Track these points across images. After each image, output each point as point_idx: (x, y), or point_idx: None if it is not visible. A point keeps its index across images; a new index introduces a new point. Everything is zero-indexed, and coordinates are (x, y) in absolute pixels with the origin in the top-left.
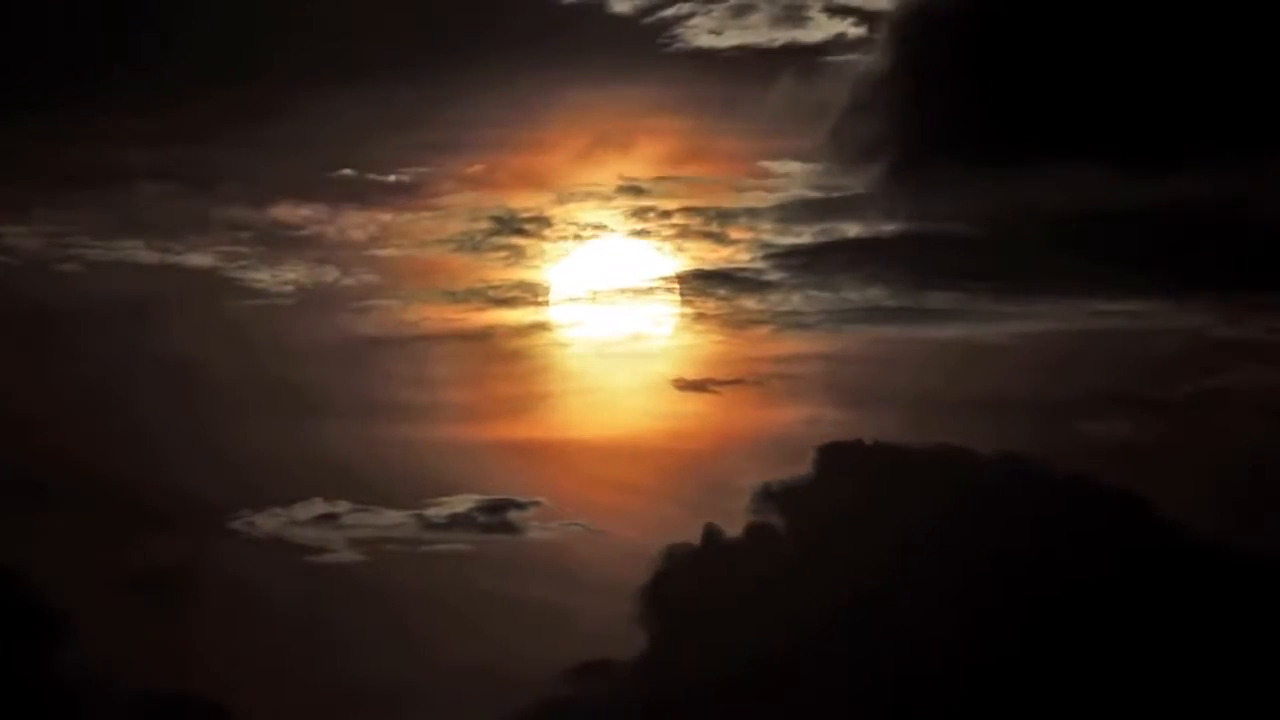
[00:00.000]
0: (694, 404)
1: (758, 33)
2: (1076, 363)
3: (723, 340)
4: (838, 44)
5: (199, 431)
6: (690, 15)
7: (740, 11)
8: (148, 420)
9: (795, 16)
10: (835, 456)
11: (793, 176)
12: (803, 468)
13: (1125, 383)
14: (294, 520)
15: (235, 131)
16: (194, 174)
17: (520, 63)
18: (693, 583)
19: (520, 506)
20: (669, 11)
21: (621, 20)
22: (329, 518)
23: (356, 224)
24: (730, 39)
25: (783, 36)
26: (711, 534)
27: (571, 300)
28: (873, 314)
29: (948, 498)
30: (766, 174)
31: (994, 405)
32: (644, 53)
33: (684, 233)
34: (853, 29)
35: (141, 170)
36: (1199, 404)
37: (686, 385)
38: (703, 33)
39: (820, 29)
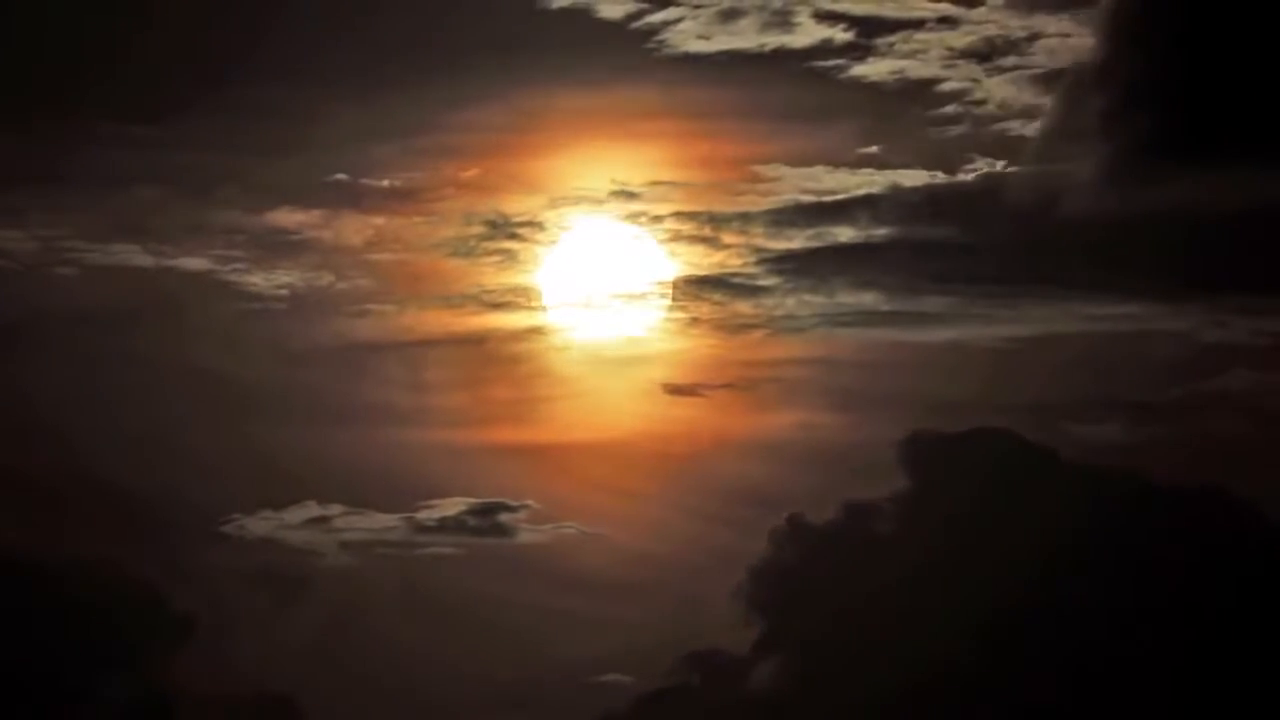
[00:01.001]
0: (687, 408)
1: (746, 38)
2: (1066, 367)
3: (717, 344)
4: (824, 49)
5: (192, 435)
6: (679, 20)
7: (728, 16)
8: (141, 424)
9: (783, 22)
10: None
11: (784, 180)
12: (797, 472)
13: (1116, 386)
14: (285, 524)
15: (230, 137)
16: (189, 179)
17: (513, 68)
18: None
19: (511, 509)
20: (657, 16)
21: (611, 25)
22: (319, 521)
23: (351, 229)
24: (719, 44)
25: (771, 41)
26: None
27: (565, 305)
28: (867, 318)
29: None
30: (758, 178)
31: (986, 409)
32: (634, 58)
33: (676, 237)
34: (841, 34)
35: (136, 174)
36: (1189, 407)
37: (677, 390)
38: (691, 38)
39: (807, 34)
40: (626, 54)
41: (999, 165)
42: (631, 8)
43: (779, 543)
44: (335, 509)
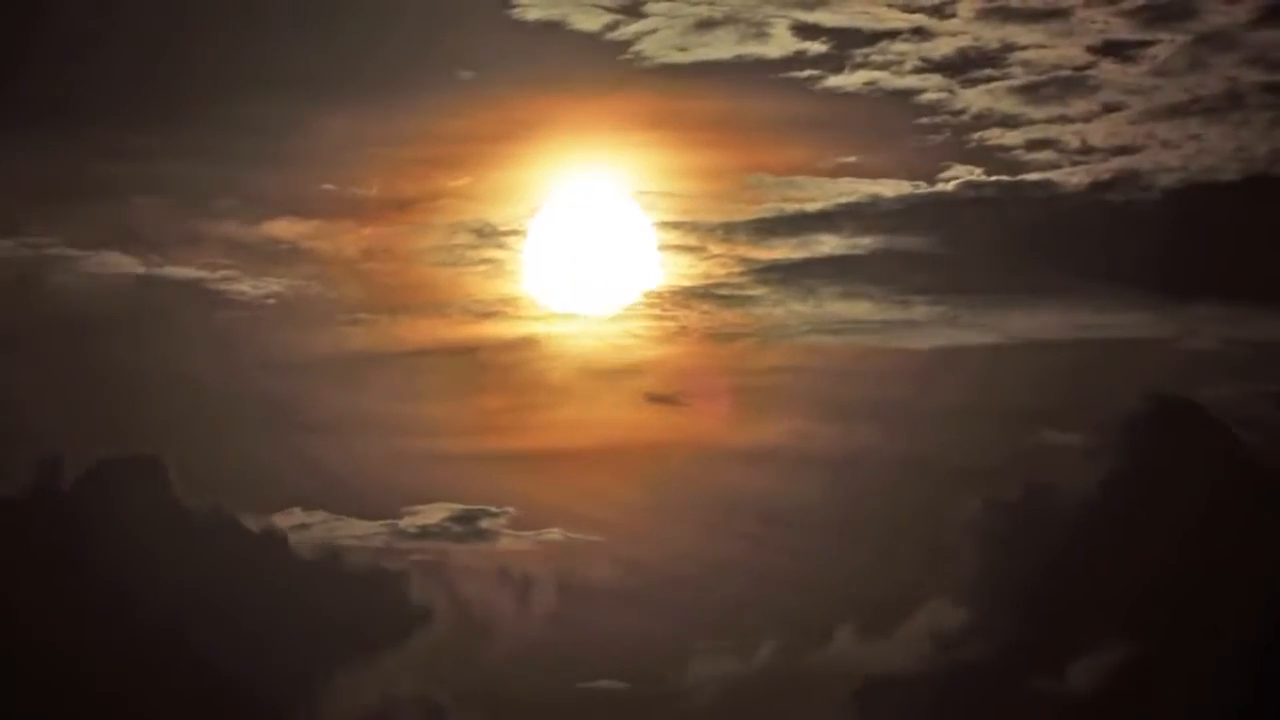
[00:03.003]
0: (675, 417)
1: (722, 49)
2: (1049, 375)
3: (705, 354)
4: (799, 61)
5: (183, 442)
6: (653, 31)
7: (704, 28)
8: (131, 431)
9: (759, 34)
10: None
11: (766, 189)
12: (786, 479)
13: (1097, 394)
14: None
15: (221, 148)
16: (181, 189)
17: (495, 80)
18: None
19: (494, 515)
20: (632, 28)
21: (587, 37)
22: (302, 528)
23: (340, 238)
24: (695, 55)
25: (747, 52)
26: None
27: (553, 314)
28: (855, 326)
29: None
30: (740, 188)
31: (971, 415)
32: (613, 69)
33: (663, 246)
34: (815, 46)
35: (128, 185)
36: (1162, 414)
37: (665, 399)
38: (667, 49)
39: (782, 46)
40: (605, 65)
41: (977, 173)
42: (607, 19)
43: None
44: (319, 515)
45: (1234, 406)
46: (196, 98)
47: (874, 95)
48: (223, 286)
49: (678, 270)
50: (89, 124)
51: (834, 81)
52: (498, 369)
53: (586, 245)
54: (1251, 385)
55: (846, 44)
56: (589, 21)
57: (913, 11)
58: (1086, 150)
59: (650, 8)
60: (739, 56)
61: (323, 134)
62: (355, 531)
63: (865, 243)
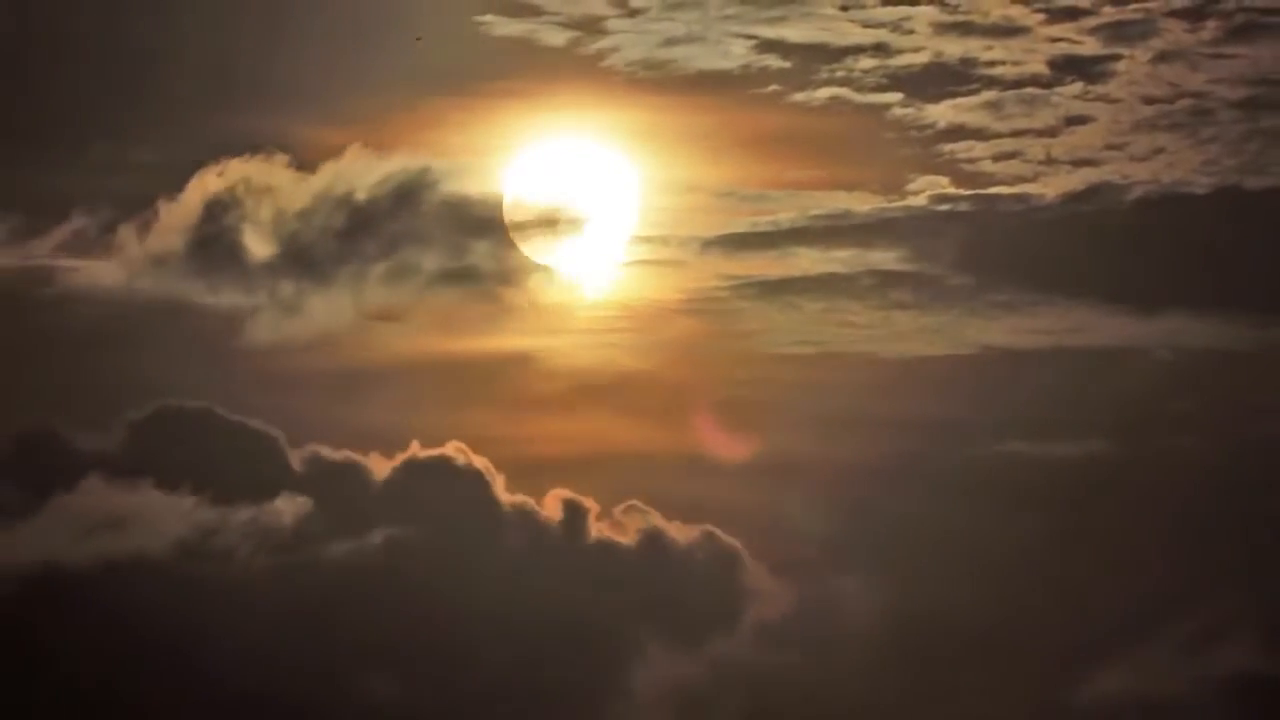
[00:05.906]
0: (661, 428)
1: (688, 64)
2: (1030, 384)
3: (689, 366)
4: (763, 75)
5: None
6: (617, 49)
7: (669, 43)
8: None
9: (723, 51)
10: None
11: (741, 204)
12: (772, 489)
13: (1076, 403)
14: None
15: (213, 159)
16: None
17: (475, 94)
18: None
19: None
20: (600, 44)
21: (556, 52)
22: None
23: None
24: (663, 71)
25: (711, 67)
26: None
27: (534, 327)
28: (837, 337)
29: None
30: (715, 201)
31: (954, 424)
32: (583, 83)
33: (643, 260)
34: (780, 62)
35: (121, 195)
36: (1142, 424)
37: (649, 411)
38: (634, 64)
39: (747, 60)
40: (575, 80)
41: (945, 184)
42: (572, 34)
43: None
44: None
45: (1208, 416)
46: (186, 110)
47: (840, 110)
48: (215, 299)
49: (658, 284)
50: (83, 138)
51: (800, 97)
52: (482, 382)
53: (567, 257)
54: (1224, 395)
55: (810, 60)
56: (555, 38)
57: (873, 27)
58: (1051, 163)
59: (613, 24)
60: (703, 72)
61: (309, 146)
62: None
63: (841, 256)
